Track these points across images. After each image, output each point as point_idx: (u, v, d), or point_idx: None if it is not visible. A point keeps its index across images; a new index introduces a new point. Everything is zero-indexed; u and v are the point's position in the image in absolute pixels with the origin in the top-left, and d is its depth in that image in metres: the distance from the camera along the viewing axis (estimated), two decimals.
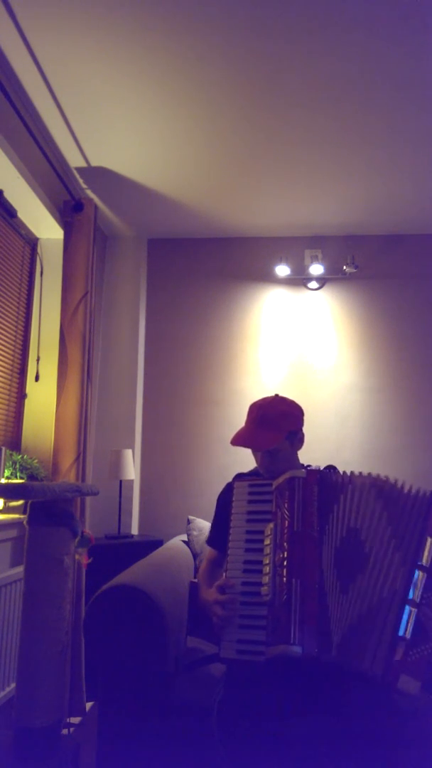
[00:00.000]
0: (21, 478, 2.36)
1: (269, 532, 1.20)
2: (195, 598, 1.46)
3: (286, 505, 1.18)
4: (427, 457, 3.06)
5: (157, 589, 1.48)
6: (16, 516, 2.18)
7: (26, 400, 2.69)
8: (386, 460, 3.08)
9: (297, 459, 1.46)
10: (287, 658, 1.06)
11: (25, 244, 2.73)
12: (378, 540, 1.13)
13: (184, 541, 2.46)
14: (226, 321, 3.33)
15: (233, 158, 2.59)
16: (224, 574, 1.24)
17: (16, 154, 2.18)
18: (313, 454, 2.65)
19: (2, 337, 2.50)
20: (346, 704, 1.13)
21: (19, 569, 2.14)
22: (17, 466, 2.36)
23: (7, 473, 2.29)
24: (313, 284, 3.33)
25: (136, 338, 3.27)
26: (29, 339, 2.76)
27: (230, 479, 1.45)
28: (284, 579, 1.11)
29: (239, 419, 3.30)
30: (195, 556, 2.34)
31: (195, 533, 2.44)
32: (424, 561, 1.09)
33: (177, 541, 2.44)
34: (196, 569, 2.27)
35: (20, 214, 2.60)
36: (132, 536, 2.88)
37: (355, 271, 3.18)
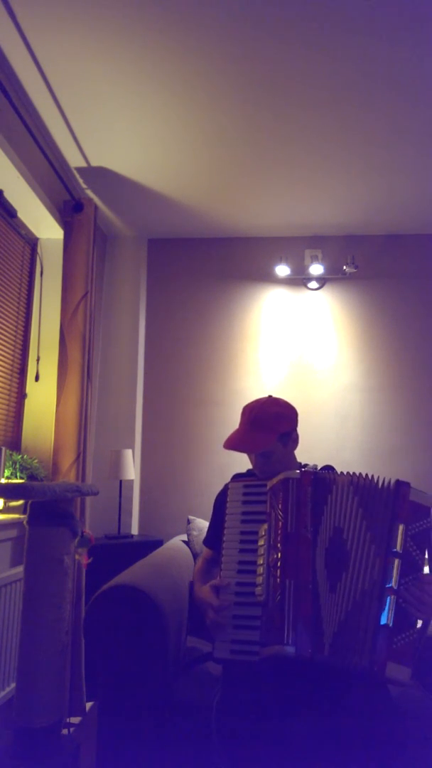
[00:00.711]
0: (21, 478, 2.36)
1: (263, 533, 1.20)
2: (197, 604, 1.47)
3: (280, 506, 1.19)
4: (427, 457, 3.06)
5: (157, 589, 1.48)
6: (16, 516, 2.18)
7: (26, 400, 2.69)
8: (386, 460, 3.08)
9: (293, 459, 1.46)
10: (281, 659, 1.06)
11: (25, 244, 2.73)
12: (356, 536, 1.14)
13: (184, 541, 2.46)
14: (226, 321, 3.33)
15: (233, 158, 2.59)
16: (219, 574, 1.24)
17: (16, 154, 2.18)
18: (313, 454, 2.66)
19: (2, 337, 2.50)
20: (344, 704, 1.13)
21: (19, 569, 2.14)
22: (17, 466, 2.36)
23: (7, 473, 2.29)
24: (313, 284, 3.33)
25: (136, 338, 3.27)
26: (29, 339, 2.75)
27: (230, 479, 1.45)
28: (278, 580, 1.12)
29: (239, 419, 3.31)
30: (195, 556, 2.34)
31: (195, 533, 2.44)
32: (398, 548, 1.10)
33: (177, 541, 2.44)
34: None
35: (20, 214, 2.60)
36: (132, 536, 2.88)
37: (355, 271, 3.18)
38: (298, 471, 1.22)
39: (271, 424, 1.37)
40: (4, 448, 2.11)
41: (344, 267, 3.18)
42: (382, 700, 1.13)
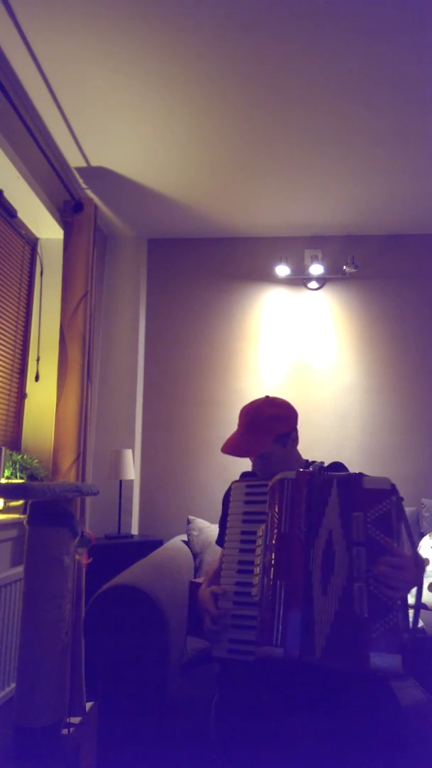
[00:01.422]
0: (21, 478, 2.36)
1: (261, 534, 1.20)
2: (195, 598, 1.47)
3: (276, 506, 1.19)
4: (427, 457, 3.06)
5: (157, 589, 1.48)
6: (16, 516, 2.18)
7: (26, 400, 2.69)
8: (386, 460, 3.08)
9: (295, 458, 1.45)
10: (272, 659, 1.06)
11: (25, 244, 2.73)
12: (337, 534, 1.13)
13: (184, 541, 2.46)
14: (226, 321, 3.33)
15: (233, 158, 2.59)
16: (220, 575, 1.24)
17: (16, 154, 2.18)
18: (313, 454, 2.66)
19: (2, 337, 2.50)
20: (343, 703, 1.12)
21: (19, 569, 2.14)
22: (17, 466, 2.36)
23: (7, 473, 2.29)
24: (313, 284, 3.33)
25: (136, 338, 3.27)
26: (29, 339, 2.75)
27: (230, 479, 1.46)
28: (270, 581, 1.12)
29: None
30: (195, 556, 2.34)
31: (195, 533, 2.44)
32: (361, 537, 1.10)
33: (177, 541, 2.44)
34: (196, 569, 2.27)
35: (20, 214, 2.60)
36: (132, 536, 2.88)
37: (355, 271, 3.18)
38: (294, 471, 1.22)
39: (267, 426, 1.37)
40: (4, 448, 2.11)
41: (344, 267, 3.18)
42: (381, 699, 1.13)
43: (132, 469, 2.86)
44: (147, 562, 1.83)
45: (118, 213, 3.12)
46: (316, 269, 3.21)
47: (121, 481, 2.88)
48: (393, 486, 1.14)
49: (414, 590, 1.11)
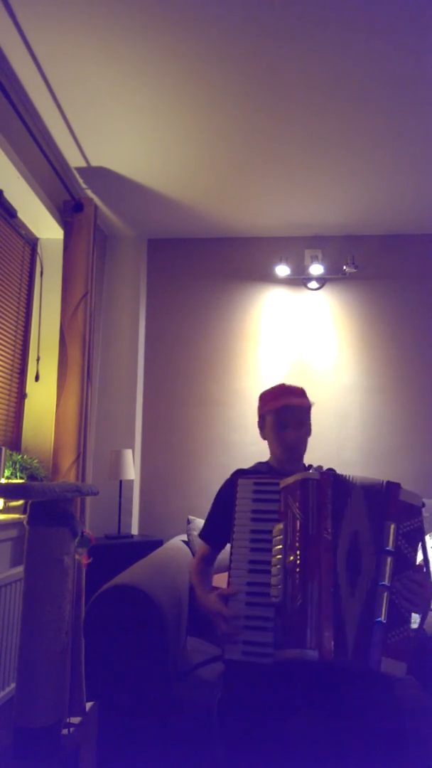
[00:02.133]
0: (21, 478, 2.36)
1: (278, 533, 1.18)
2: (195, 599, 1.45)
3: (297, 507, 1.17)
4: (427, 457, 3.06)
5: (157, 589, 1.48)
6: (16, 516, 2.18)
7: (26, 400, 2.69)
8: (386, 460, 3.08)
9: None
10: (301, 663, 1.05)
11: (25, 244, 2.73)
12: (365, 537, 1.14)
13: (184, 541, 2.46)
14: (226, 321, 3.33)
15: (233, 158, 2.59)
16: (228, 573, 1.22)
17: (16, 154, 2.18)
18: (313, 454, 2.64)
19: (2, 337, 2.50)
20: (346, 703, 1.12)
21: (19, 569, 2.14)
22: (17, 466, 2.36)
23: (7, 473, 2.29)
24: (313, 284, 3.33)
25: (136, 338, 3.27)
26: (29, 339, 2.75)
27: (231, 475, 1.45)
28: (297, 582, 1.10)
29: (239, 419, 3.31)
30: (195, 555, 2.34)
31: (195, 533, 2.44)
32: (390, 545, 1.12)
33: (177, 541, 2.44)
34: None
35: (20, 214, 2.60)
36: (132, 536, 2.88)
37: (355, 271, 3.18)
38: (316, 472, 1.21)
39: (305, 393, 1.50)
40: (4, 448, 2.11)
41: (344, 267, 3.18)
42: (382, 699, 1.13)
43: (132, 469, 2.86)
44: (147, 562, 1.83)
45: (118, 213, 3.12)
46: (316, 269, 3.21)
47: (121, 481, 2.88)
48: (423, 503, 1.17)
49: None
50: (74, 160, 2.61)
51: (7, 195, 2.42)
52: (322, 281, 3.32)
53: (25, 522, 1.39)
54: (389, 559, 1.11)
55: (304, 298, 3.32)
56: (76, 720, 1.41)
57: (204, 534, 1.52)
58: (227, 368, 3.27)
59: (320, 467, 1.42)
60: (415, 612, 1.08)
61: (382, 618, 1.07)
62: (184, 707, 1.38)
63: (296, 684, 1.16)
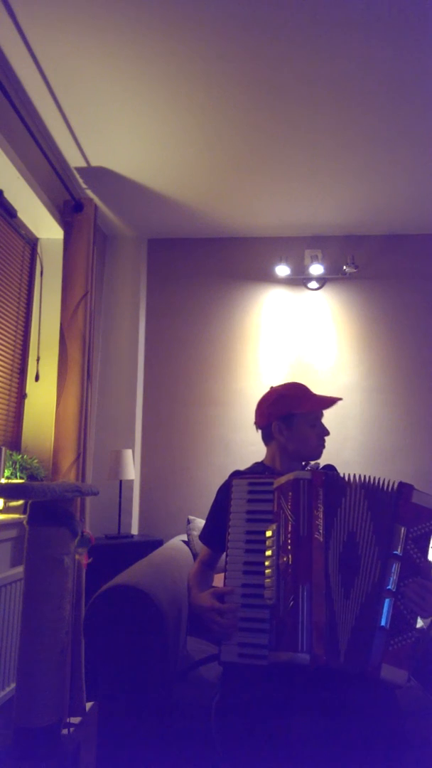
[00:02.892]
0: (21, 478, 2.36)
1: (271, 534, 1.17)
2: (192, 605, 1.45)
3: (289, 507, 1.16)
4: (427, 457, 3.06)
5: (157, 589, 1.47)
6: (16, 516, 2.18)
7: (26, 400, 2.69)
8: (386, 460, 3.08)
9: None
10: (296, 665, 1.05)
11: (25, 244, 2.73)
12: (365, 539, 1.13)
13: (184, 541, 2.46)
14: (226, 321, 3.33)
15: (233, 158, 2.59)
16: (224, 576, 1.22)
17: (16, 154, 2.18)
18: None
19: (2, 337, 2.50)
20: (345, 704, 1.12)
21: (19, 569, 2.14)
22: (17, 466, 2.36)
23: (7, 473, 2.29)
24: (313, 284, 3.33)
25: (136, 338, 3.27)
26: (29, 339, 2.75)
27: (228, 476, 1.44)
28: (290, 584, 1.10)
29: (239, 419, 3.31)
30: (195, 556, 2.34)
31: (195, 533, 2.44)
32: (399, 550, 1.10)
33: (177, 541, 2.44)
34: None
35: (20, 214, 2.60)
36: (132, 536, 2.88)
37: (355, 271, 3.18)
38: (309, 471, 1.20)
39: None
40: (4, 448, 2.11)
41: (344, 267, 3.18)
42: (382, 700, 1.13)
43: (132, 469, 2.86)
44: (147, 562, 1.83)
45: (118, 213, 3.12)
46: (316, 269, 3.21)
47: (121, 481, 2.88)
48: None
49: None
50: (74, 160, 2.61)
51: (7, 195, 2.42)
52: (322, 281, 3.32)
53: (25, 522, 1.39)
54: (396, 564, 1.08)
55: (304, 298, 3.32)
56: (76, 720, 1.42)
57: (203, 536, 1.52)
58: (227, 368, 3.27)
59: (317, 465, 1.42)
60: (422, 616, 1.07)
61: (385, 623, 1.05)
62: (184, 707, 1.38)
63: (294, 685, 1.15)
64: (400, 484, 1.15)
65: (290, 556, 1.12)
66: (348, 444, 3.12)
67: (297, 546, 1.12)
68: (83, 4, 1.76)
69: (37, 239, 2.86)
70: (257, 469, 1.51)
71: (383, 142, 2.44)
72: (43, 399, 2.67)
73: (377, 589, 1.08)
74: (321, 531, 1.13)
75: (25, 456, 2.48)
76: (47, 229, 2.77)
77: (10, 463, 2.34)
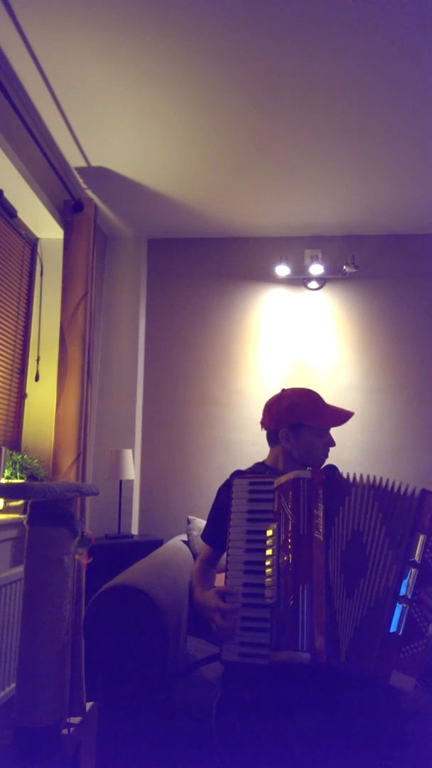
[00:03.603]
0: (21, 478, 2.36)
1: (272, 533, 1.17)
2: (195, 603, 1.45)
3: (289, 506, 1.16)
4: (427, 457, 3.06)
5: (157, 589, 1.48)
6: (16, 516, 2.18)
7: (26, 400, 2.69)
8: (386, 460, 3.08)
9: None
10: (294, 665, 1.05)
11: (25, 244, 2.73)
12: (375, 540, 1.12)
13: (184, 541, 2.46)
14: (226, 321, 3.33)
15: (233, 158, 2.59)
16: (225, 575, 1.22)
17: (16, 154, 2.18)
18: None
19: (2, 337, 2.50)
20: (345, 704, 1.12)
21: (19, 569, 2.14)
22: (17, 466, 2.36)
23: (7, 473, 2.29)
24: (313, 284, 3.33)
25: (136, 338, 3.27)
26: (29, 339, 2.76)
27: (229, 476, 1.44)
28: (290, 583, 1.10)
29: (239, 419, 3.31)
30: (195, 556, 2.34)
31: (195, 533, 2.44)
32: (416, 557, 1.09)
33: (177, 541, 2.44)
34: None
35: (20, 214, 2.60)
36: (132, 536, 2.88)
37: (355, 271, 3.18)
38: (308, 471, 1.19)
39: None
40: (4, 448, 2.11)
41: (344, 267, 3.18)
42: (383, 700, 1.13)
43: (132, 469, 2.86)
44: (147, 562, 1.83)
45: (118, 213, 3.12)
46: (316, 269, 3.21)
47: (121, 481, 2.88)
48: None
49: None
50: (74, 160, 2.61)
51: (7, 195, 2.42)
52: (322, 281, 3.32)
53: (25, 522, 1.39)
54: (413, 571, 1.07)
55: (304, 298, 3.32)
56: (76, 720, 1.42)
57: (205, 535, 1.53)
58: (227, 368, 3.27)
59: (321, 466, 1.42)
60: None
61: (397, 630, 1.04)
62: (184, 707, 1.38)
63: (295, 685, 1.15)
64: (423, 491, 1.14)
65: (290, 556, 1.12)
66: (348, 444, 3.11)
67: (297, 545, 1.13)
68: (83, 4, 1.76)
69: (37, 239, 2.86)
70: (259, 469, 1.51)
71: (383, 142, 2.44)
72: (43, 399, 2.67)
73: (389, 594, 1.07)
74: (321, 530, 1.13)
75: (25, 456, 2.48)
76: (47, 229, 2.77)
77: (10, 463, 2.34)
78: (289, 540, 1.14)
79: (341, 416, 1.45)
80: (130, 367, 3.24)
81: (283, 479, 1.21)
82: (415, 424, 3.11)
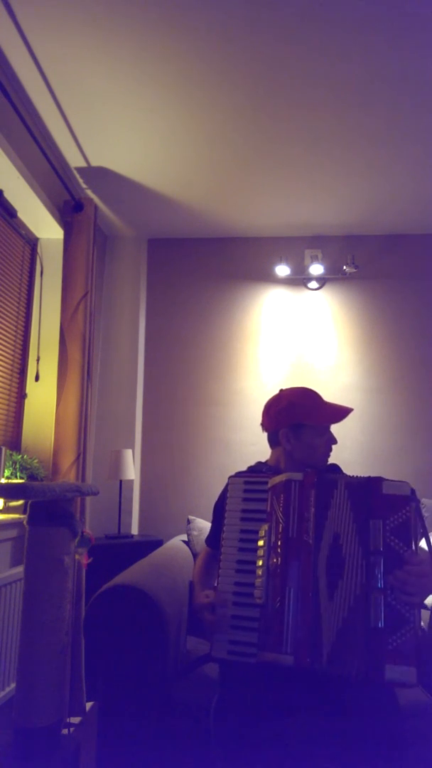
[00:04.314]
0: (21, 478, 2.36)
1: (263, 534, 1.18)
2: (194, 602, 1.46)
3: (280, 508, 1.17)
4: (427, 457, 3.06)
5: (157, 589, 1.48)
6: (16, 516, 2.18)
7: (26, 400, 2.69)
8: (386, 460, 3.08)
9: None
10: (279, 666, 1.05)
11: (25, 244, 2.73)
12: (348, 540, 1.12)
13: (184, 541, 2.46)
14: (226, 321, 3.33)
15: (233, 158, 2.59)
16: (217, 573, 1.23)
17: (16, 154, 2.18)
18: None
19: (2, 337, 2.50)
20: (344, 704, 1.12)
21: (19, 569, 2.14)
22: (17, 466, 2.36)
23: (7, 473, 2.29)
24: (313, 284, 3.33)
25: (136, 338, 3.27)
26: (29, 339, 2.76)
27: (228, 478, 1.44)
28: (277, 585, 1.10)
29: (239, 419, 3.31)
30: (195, 556, 2.34)
31: (195, 533, 2.44)
32: (380, 545, 1.08)
33: (177, 541, 2.44)
34: None
35: (20, 214, 2.60)
36: (132, 536, 2.88)
37: (355, 271, 3.18)
38: (301, 473, 1.20)
39: None
40: (4, 448, 2.11)
41: (344, 267, 3.18)
42: (382, 700, 1.13)
43: (132, 469, 2.86)
44: (147, 562, 1.83)
45: (118, 213, 3.12)
46: (316, 269, 3.21)
47: (121, 481, 2.88)
48: (412, 491, 1.11)
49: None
50: (74, 160, 2.61)
51: (7, 195, 2.42)
52: (322, 281, 3.32)
53: (25, 522, 1.39)
54: (380, 560, 1.07)
55: (304, 298, 3.32)
56: (76, 720, 1.42)
57: (208, 538, 1.56)
58: (227, 368, 3.27)
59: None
60: (417, 601, 1.03)
61: (380, 624, 1.03)
62: (184, 707, 1.38)
63: (293, 684, 1.15)
64: (367, 479, 1.15)
65: (279, 558, 1.13)
66: (348, 444, 3.11)
67: (286, 547, 1.13)
68: (83, 4, 1.76)
69: (37, 239, 2.86)
70: (260, 468, 1.51)
71: (383, 141, 2.44)
72: (43, 399, 2.67)
73: (365, 590, 1.07)
74: (311, 533, 1.13)
75: (25, 456, 2.48)
76: (47, 229, 2.77)
77: (10, 463, 2.34)
78: (279, 542, 1.14)
79: (340, 412, 1.44)
80: (130, 367, 3.23)
81: (276, 480, 1.21)
82: (415, 424, 3.11)
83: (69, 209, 2.68)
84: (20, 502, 2.19)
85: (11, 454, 2.41)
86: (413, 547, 1.08)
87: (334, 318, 3.28)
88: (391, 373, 3.18)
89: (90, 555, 1.60)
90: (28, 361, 2.74)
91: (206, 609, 1.20)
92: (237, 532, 1.23)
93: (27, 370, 2.73)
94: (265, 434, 1.52)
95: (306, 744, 1.10)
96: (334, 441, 1.46)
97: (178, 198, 2.95)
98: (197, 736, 1.32)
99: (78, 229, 2.67)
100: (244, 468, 1.55)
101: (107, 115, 2.30)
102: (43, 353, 2.73)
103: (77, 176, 2.74)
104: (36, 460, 2.51)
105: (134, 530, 3.10)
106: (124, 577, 1.53)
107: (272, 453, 1.51)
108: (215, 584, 1.22)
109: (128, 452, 2.88)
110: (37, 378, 2.70)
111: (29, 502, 1.40)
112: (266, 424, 1.50)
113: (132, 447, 3.10)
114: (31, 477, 2.42)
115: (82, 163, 2.64)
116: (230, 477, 1.32)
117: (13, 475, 2.33)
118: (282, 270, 3.22)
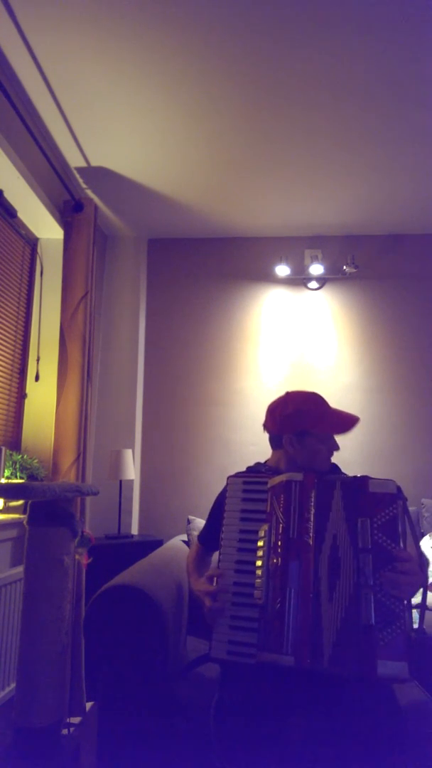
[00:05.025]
0: (21, 478, 2.36)
1: (263, 534, 1.18)
2: (195, 598, 1.46)
3: (281, 509, 1.16)
4: (427, 457, 3.06)
5: (157, 589, 1.48)
6: (16, 516, 2.18)
7: (26, 400, 2.69)
8: (386, 460, 3.07)
9: None
10: (279, 667, 1.05)
11: (25, 244, 2.73)
12: (343, 539, 1.12)
13: (184, 541, 2.46)
14: (226, 321, 3.33)
15: (233, 158, 2.59)
16: (218, 573, 1.23)
17: (16, 154, 2.18)
18: None
19: (2, 337, 2.50)
20: (343, 704, 1.12)
21: (19, 569, 2.14)
22: (17, 466, 2.36)
23: (7, 473, 2.29)
24: (313, 284, 3.33)
25: (136, 338, 3.27)
26: (29, 339, 2.76)
27: (227, 479, 1.44)
28: (278, 586, 1.10)
29: (239, 419, 3.31)
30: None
31: (195, 533, 2.44)
32: (368, 543, 1.09)
33: (177, 541, 2.44)
34: None
35: (20, 214, 2.60)
36: (132, 536, 2.88)
37: (355, 271, 3.18)
38: (301, 473, 1.20)
39: None
40: (4, 448, 2.11)
41: (344, 267, 3.18)
42: (381, 699, 1.13)
43: (132, 469, 2.86)
44: (147, 562, 1.83)
45: (118, 213, 3.12)
46: (316, 269, 3.21)
47: (121, 481, 2.88)
48: (398, 488, 1.12)
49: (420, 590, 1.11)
50: (74, 160, 2.61)
51: (7, 195, 2.42)
52: (322, 281, 3.32)
53: (25, 522, 1.39)
54: (368, 558, 1.08)
55: (304, 298, 3.32)
56: (76, 720, 1.42)
57: (201, 536, 1.55)
58: (227, 368, 3.27)
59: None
60: (406, 598, 1.04)
61: (372, 620, 1.03)
62: (184, 707, 1.38)
63: (292, 684, 1.15)
64: (354, 478, 1.16)
65: (279, 558, 1.13)
66: (348, 444, 3.11)
67: (286, 548, 1.13)
68: (83, 4, 1.77)
69: (37, 239, 2.86)
70: (259, 468, 1.51)
71: (383, 142, 2.44)
72: (43, 399, 2.67)
73: (357, 589, 1.07)
74: (311, 533, 1.13)
75: (25, 456, 2.48)
76: (47, 229, 2.77)
77: (10, 463, 2.34)
78: (279, 542, 1.14)
79: (347, 423, 1.44)
80: (130, 367, 3.24)
81: (276, 480, 1.21)
82: (415, 424, 3.11)
83: (69, 209, 2.68)
84: (20, 502, 2.19)
85: (11, 454, 2.41)
86: (401, 544, 1.08)
87: (334, 318, 3.28)
88: (391, 373, 3.18)
89: (90, 555, 1.60)
90: (28, 361, 2.74)
91: (208, 596, 1.19)
92: (236, 533, 1.23)
93: (27, 370, 2.73)
94: (266, 434, 1.52)
95: (306, 744, 1.10)
96: (337, 447, 1.47)
97: (178, 198, 2.95)
98: (197, 735, 1.32)
99: (78, 229, 2.67)
100: (243, 468, 1.55)
101: (107, 115, 2.30)
102: (43, 353, 2.73)
103: (77, 176, 2.74)
104: (36, 460, 2.51)
105: (134, 530, 3.10)
106: (124, 577, 1.53)
107: (273, 454, 1.51)
108: (214, 584, 1.22)
109: (128, 452, 2.88)
110: (37, 378, 2.70)
111: (29, 502, 1.39)
112: (270, 427, 1.49)
113: (132, 447, 3.10)
114: (31, 477, 2.42)
115: (82, 163, 2.64)
116: (229, 477, 1.31)
117: (13, 475, 2.33)
118: (282, 270, 3.22)
